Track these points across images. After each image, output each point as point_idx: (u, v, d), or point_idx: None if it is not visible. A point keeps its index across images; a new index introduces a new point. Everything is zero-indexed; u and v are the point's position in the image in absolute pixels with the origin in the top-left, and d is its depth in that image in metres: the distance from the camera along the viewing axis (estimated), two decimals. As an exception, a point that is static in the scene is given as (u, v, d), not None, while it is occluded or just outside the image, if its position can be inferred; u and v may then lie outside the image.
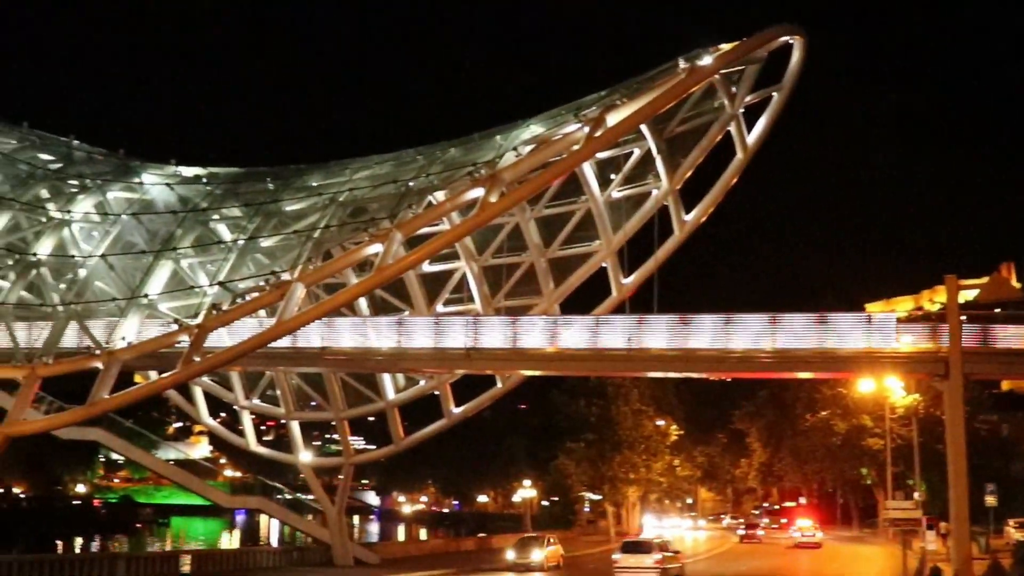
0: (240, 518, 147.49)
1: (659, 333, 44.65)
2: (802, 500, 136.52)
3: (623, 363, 48.32)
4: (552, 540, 61.29)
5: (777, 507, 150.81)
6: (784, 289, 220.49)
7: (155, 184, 48.87)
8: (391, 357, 47.55)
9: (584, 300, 51.57)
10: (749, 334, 43.87)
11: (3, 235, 46.76)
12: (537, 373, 54.61)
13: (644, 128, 44.45)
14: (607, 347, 45.63)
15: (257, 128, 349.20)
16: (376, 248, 39.12)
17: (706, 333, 44.21)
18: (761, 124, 48.79)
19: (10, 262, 45.59)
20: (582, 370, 60.46)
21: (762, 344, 43.96)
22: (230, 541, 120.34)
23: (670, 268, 51.14)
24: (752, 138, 48.56)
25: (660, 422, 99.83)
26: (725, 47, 43.70)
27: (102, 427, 57.83)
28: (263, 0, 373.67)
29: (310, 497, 69.72)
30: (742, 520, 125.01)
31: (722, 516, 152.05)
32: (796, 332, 43.62)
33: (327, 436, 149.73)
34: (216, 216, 46.67)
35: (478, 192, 39.26)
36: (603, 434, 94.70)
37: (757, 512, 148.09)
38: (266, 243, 43.30)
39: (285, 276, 39.79)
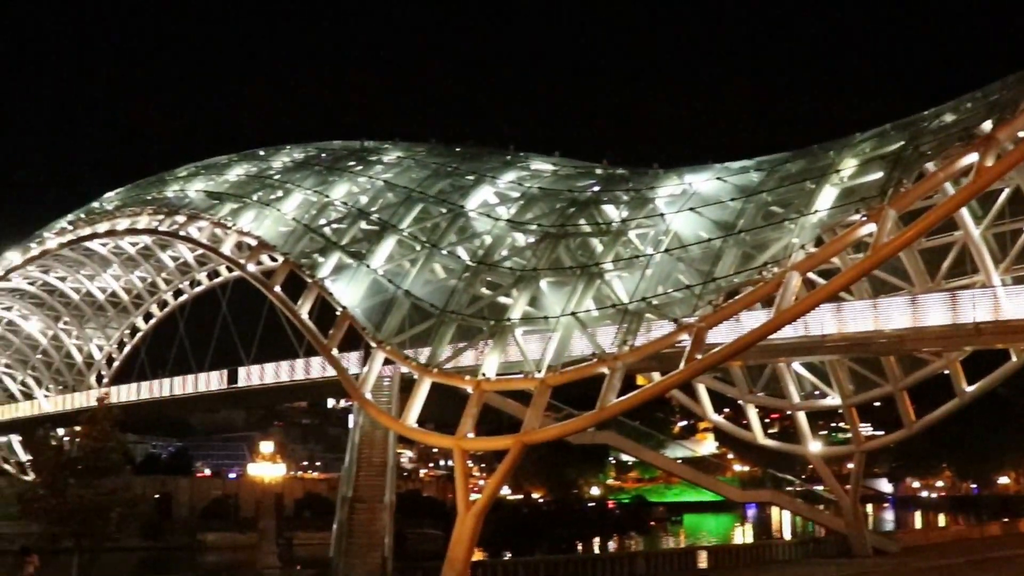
0: (751, 512, 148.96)
1: None
2: None
3: None
4: None
5: None
6: None
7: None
8: (894, 338, 46.38)
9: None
10: None
11: (509, 254, 50.50)
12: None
13: None
14: None
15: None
16: (870, 228, 38.50)
17: None
18: None
19: (513, 279, 48.95)
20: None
21: None
22: (743, 535, 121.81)
23: None
24: None
25: None
26: None
27: (612, 430, 60.84)
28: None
29: (821, 487, 69.44)
30: None
31: None
32: None
33: (834, 425, 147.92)
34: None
35: (972, 157, 37.54)
36: None
37: None
38: (753, 236, 43.61)
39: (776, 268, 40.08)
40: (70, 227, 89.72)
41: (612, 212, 48.74)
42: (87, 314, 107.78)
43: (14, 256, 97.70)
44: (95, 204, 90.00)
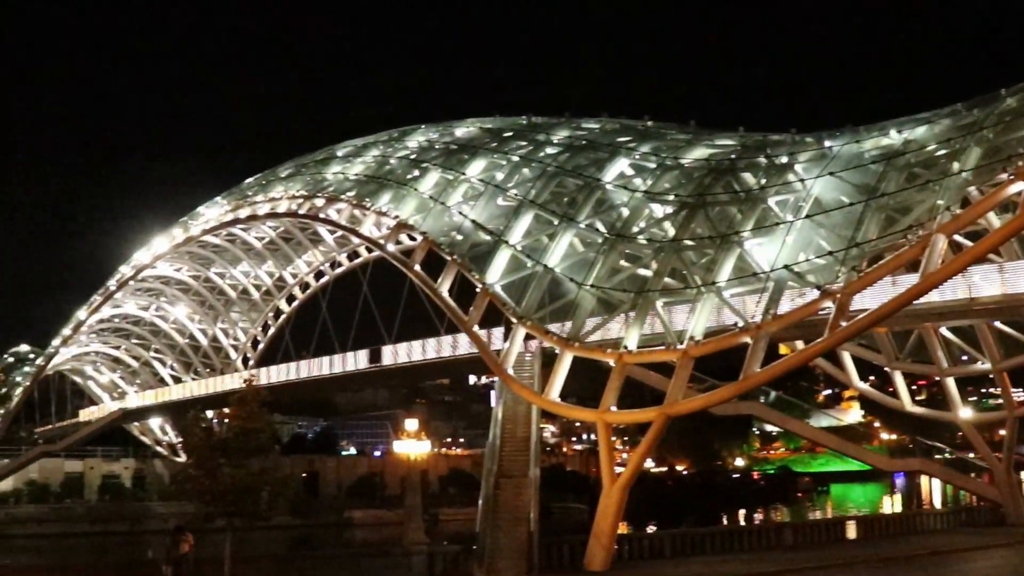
0: (899, 481, 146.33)
1: None
2: None
3: None
4: None
5: None
6: None
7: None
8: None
9: None
10: None
11: (644, 228, 50.48)
12: None
13: None
14: None
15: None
16: (1018, 187, 37.59)
17: None
18: None
19: (651, 251, 48.95)
20: None
21: None
22: (892, 505, 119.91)
23: None
24: None
25: None
26: None
27: (755, 400, 60.50)
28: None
29: (972, 455, 68.06)
30: None
31: None
32: None
33: (984, 390, 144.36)
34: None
35: None
36: None
37: None
38: (896, 199, 42.86)
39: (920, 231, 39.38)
40: (215, 216, 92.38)
41: (750, 179, 48.30)
42: (232, 299, 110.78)
43: (161, 242, 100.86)
44: (234, 191, 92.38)
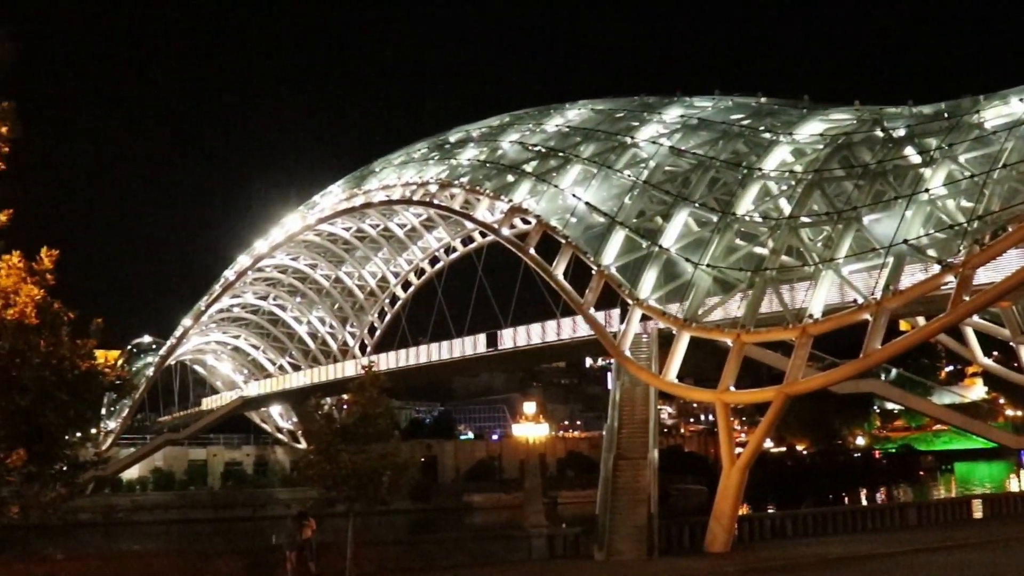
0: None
1: None
2: None
3: None
4: None
5: None
6: None
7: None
8: None
9: None
10: None
11: (757, 202, 50.15)
12: None
13: None
14: None
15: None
16: None
17: None
18: None
19: (767, 228, 48.65)
20: None
21: None
22: (1020, 483, 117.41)
23: None
24: None
25: None
26: None
27: (876, 378, 59.76)
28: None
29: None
30: None
31: None
32: None
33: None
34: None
35: None
36: None
37: None
38: (1019, 169, 41.92)
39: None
40: (329, 205, 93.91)
41: (867, 154, 47.67)
42: (348, 287, 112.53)
43: (278, 232, 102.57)
44: (349, 178, 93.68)
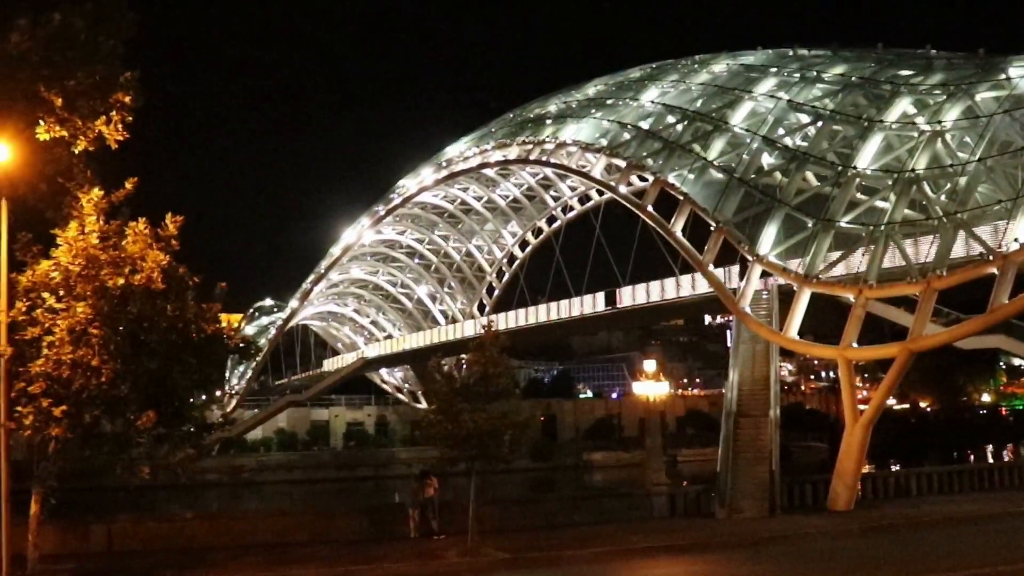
0: None
1: None
2: None
3: None
4: None
5: None
6: None
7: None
8: None
9: None
10: None
11: (878, 157, 49.20)
12: None
13: None
14: None
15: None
16: None
17: None
18: None
19: (889, 182, 47.76)
20: None
21: None
22: None
23: None
24: None
25: None
26: None
27: (1002, 333, 58.33)
28: None
29: None
30: None
31: None
32: None
33: None
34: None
35: None
36: None
37: None
38: None
39: None
40: (443, 169, 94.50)
41: (991, 104, 46.45)
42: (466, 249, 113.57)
43: (427, 173, 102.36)
44: (474, 136, 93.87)
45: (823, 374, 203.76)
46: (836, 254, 48.73)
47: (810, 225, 48.53)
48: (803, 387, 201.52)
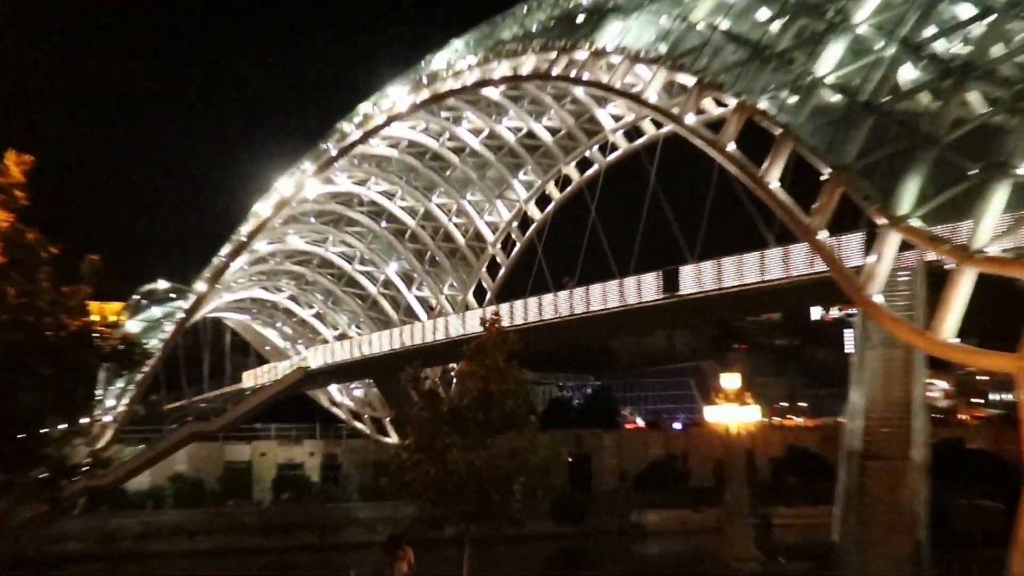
0: None
1: None
2: None
3: None
4: None
5: None
6: None
7: None
8: None
9: None
10: None
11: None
12: None
13: None
14: None
15: None
16: None
17: None
18: None
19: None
20: None
21: None
22: None
23: None
24: None
25: None
26: None
27: None
28: None
29: None
30: None
31: None
32: None
33: None
34: None
35: None
36: None
37: None
38: None
39: None
40: (424, 88, 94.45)
41: None
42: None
43: (399, 95, 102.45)
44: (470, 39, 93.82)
45: (994, 396, 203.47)
46: (1012, 216, 48.22)
47: (976, 172, 47.99)
48: (964, 416, 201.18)
